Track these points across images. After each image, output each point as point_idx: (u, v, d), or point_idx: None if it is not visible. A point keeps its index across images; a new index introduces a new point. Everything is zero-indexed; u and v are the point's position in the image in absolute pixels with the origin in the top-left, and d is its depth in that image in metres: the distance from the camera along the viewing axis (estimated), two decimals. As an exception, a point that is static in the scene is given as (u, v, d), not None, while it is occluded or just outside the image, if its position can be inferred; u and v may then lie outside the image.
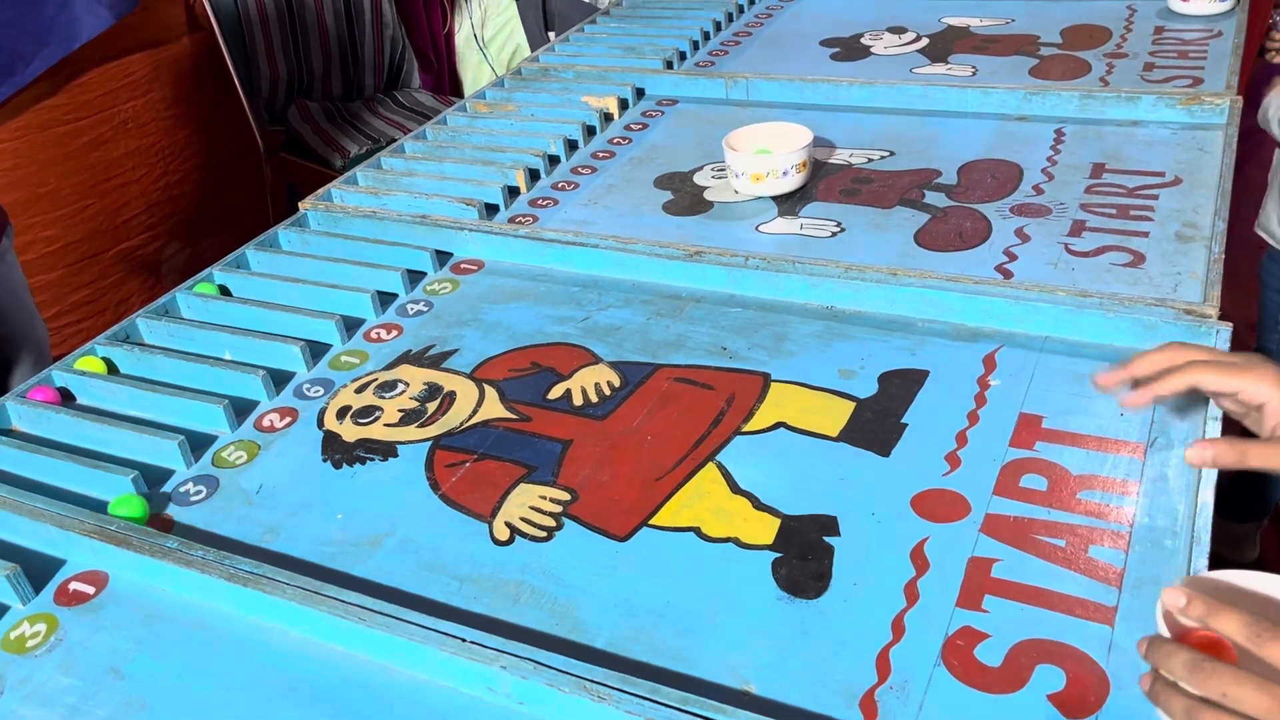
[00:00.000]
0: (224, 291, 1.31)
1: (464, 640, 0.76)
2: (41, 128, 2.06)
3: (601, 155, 1.60)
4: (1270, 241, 1.84)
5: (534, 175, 1.53)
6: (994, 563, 0.82)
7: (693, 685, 0.74)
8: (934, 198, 1.36)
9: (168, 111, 2.31)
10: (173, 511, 0.97)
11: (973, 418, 0.97)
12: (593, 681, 0.72)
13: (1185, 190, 1.30)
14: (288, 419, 1.08)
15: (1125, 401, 0.85)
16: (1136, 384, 0.85)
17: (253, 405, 1.11)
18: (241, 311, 1.24)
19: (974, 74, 1.73)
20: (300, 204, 1.48)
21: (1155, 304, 1.05)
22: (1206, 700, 0.54)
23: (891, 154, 1.50)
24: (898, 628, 0.77)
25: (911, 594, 0.80)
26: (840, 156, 1.51)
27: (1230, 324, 1.00)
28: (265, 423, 1.08)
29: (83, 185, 2.17)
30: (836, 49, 1.92)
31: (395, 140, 2.06)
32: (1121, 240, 1.21)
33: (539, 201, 1.47)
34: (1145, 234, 1.22)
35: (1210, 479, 0.83)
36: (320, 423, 1.07)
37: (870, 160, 1.49)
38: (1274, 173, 1.86)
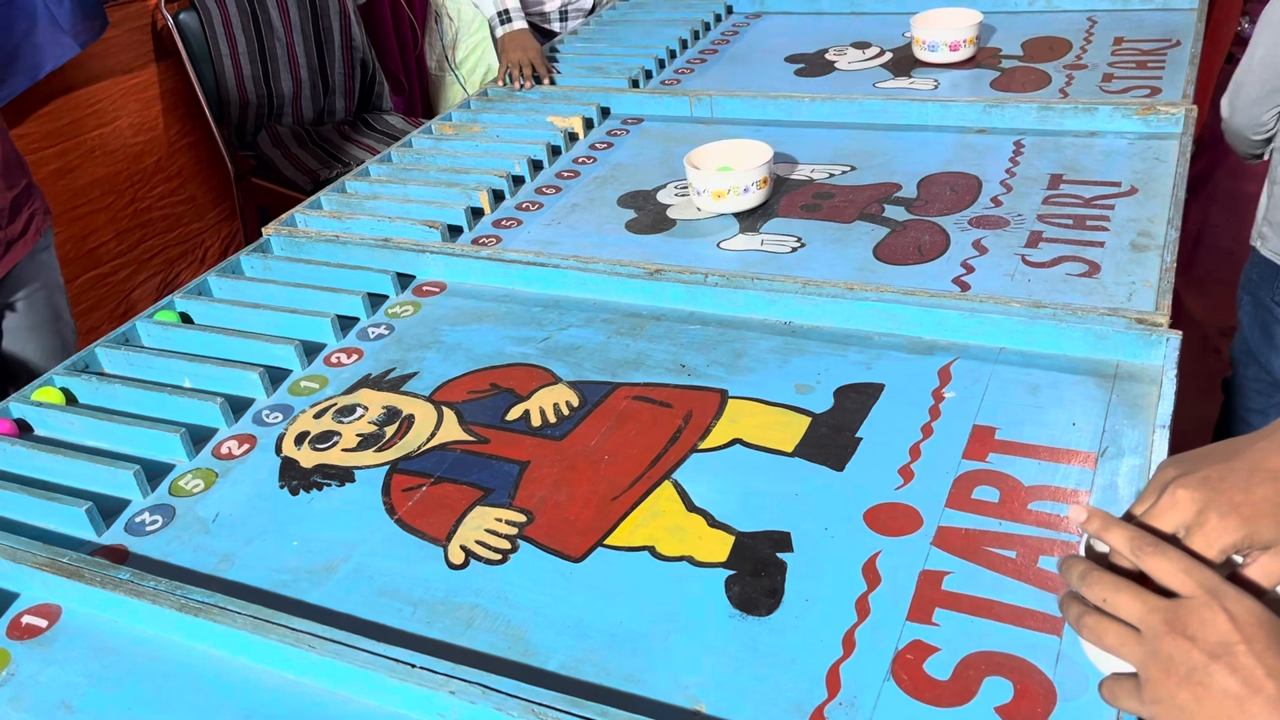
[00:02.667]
0: (186, 319, 1.31)
1: (413, 666, 0.76)
2: (7, 157, 2.05)
3: (566, 175, 1.60)
4: (1269, 256, 1.56)
5: (498, 196, 1.54)
6: (945, 575, 0.82)
7: (643, 706, 0.74)
8: (894, 211, 1.37)
9: (135, 139, 2.31)
10: (128, 542, 0.97)
11: (927, 430, 0.97)
12: (541, 705, 0.71)
13: (1141, 199, 1.31)
14: (246, 446, 1.08)
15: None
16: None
17: (211, 433, 1.10)
18: (202, 338, 1.24)
19: (936, 87, 1.74)
20: (263, 229, 1.47)
21: (1108, 314, 1.06)
22: (1095, 607, 0.57)
23: (853, 169, 1.51)
24: (848, 643, 0.77)
25: (863, 609, 0.80)
26: (802, 172, 1.52)
27: (1179, 332, 1.01)
28: (223, 450, 1.08)
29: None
30: (801, 65, 1.93)
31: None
32: (1078, 250, 1.22)
33: (502, 222, 1.47)
34: (1101, 244, 1.23)
35: (1158, 487, 0.84)
36: (278, 449, 1.07)
37: (831, 175, 1.50)
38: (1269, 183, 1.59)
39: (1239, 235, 3.05)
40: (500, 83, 1.96)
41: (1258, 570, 0.58)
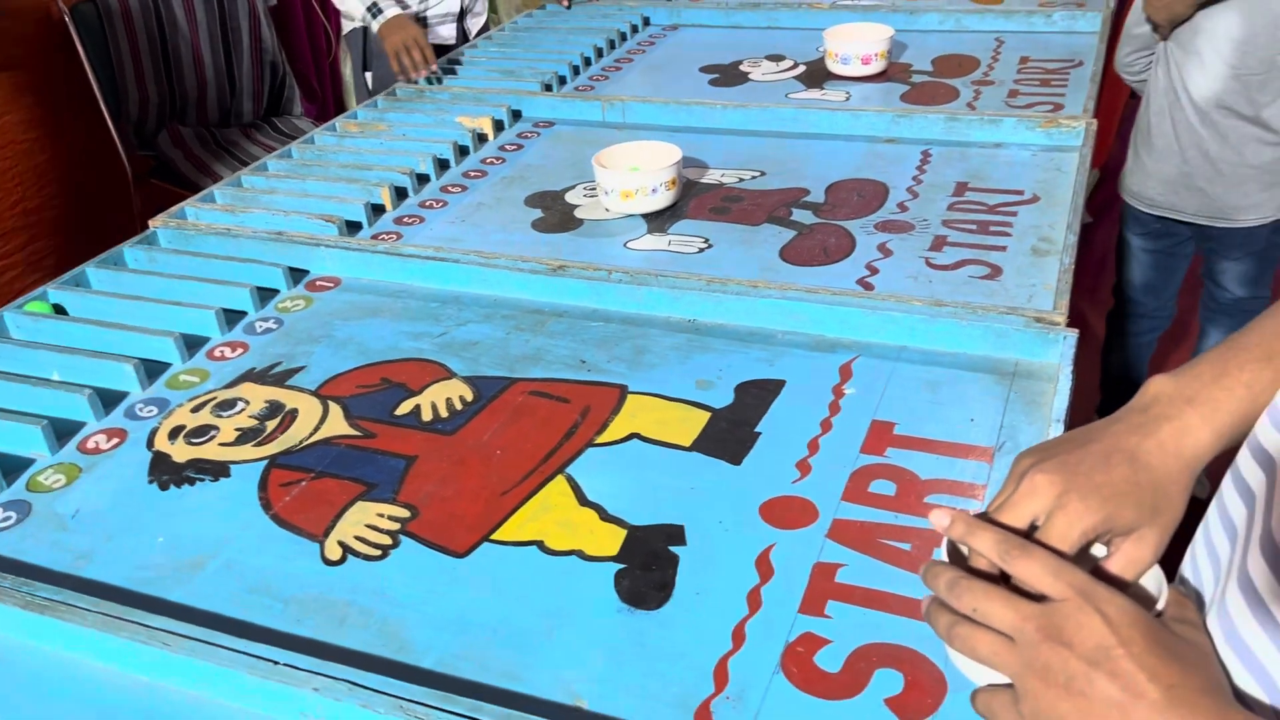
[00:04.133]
0: (61, 310, 1.24)
1: (275, 663, 0.71)
2: (-118, 147, 1.94)
3: (473, 174, 1.57)
4: (1129, 200, 2.05)
5: (401, 194, 1.49)
6: (839, 568, 0.80)
7: (522, 702, 0.70)
8: (801, 215, 1.36)
9: (26, 134, 2.20)
10: (-23, 539, 0.90)
11: (826, 425, 0.96)
12: (411, 701, 0.67)
13: (1042, 207, 1.33)
14: (115, 440, 1.02)
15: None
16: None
17: (78, 426, 1.04)
18: (75, 330, 1.17)
19: (847, 99, 1.75)
20: (150, 221, 1.41)
21: (1007, 312, 1.06)
22: (965, 616, 0.53)
23: (763, 174, 1.50)
24: (738, 636, 0.74)
25: (754, 602, 0.77)
26: (712, 176, 1.51)
27: (1076, 330, 1.01)
28: (90, 444, 1.01)
29: (-71, 210, 2.04)
30: (716, 75, 1.93)
31: (268, 164, 1.99)
32: (980, 254, 1.22)
33: (404, 219, 1.43)
34: (1003, 248, 1.23)
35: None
36: (150, 444, 1.01)
37: (741, 180, 1.49)
38: (1134, 134, 2.04)
39: (1141, 260, 3.13)
40: (395, 69, 1.91)
41: (1122, 559, 0.56)
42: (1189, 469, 0.57)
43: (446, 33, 2.38)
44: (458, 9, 2.35)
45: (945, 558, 0.58)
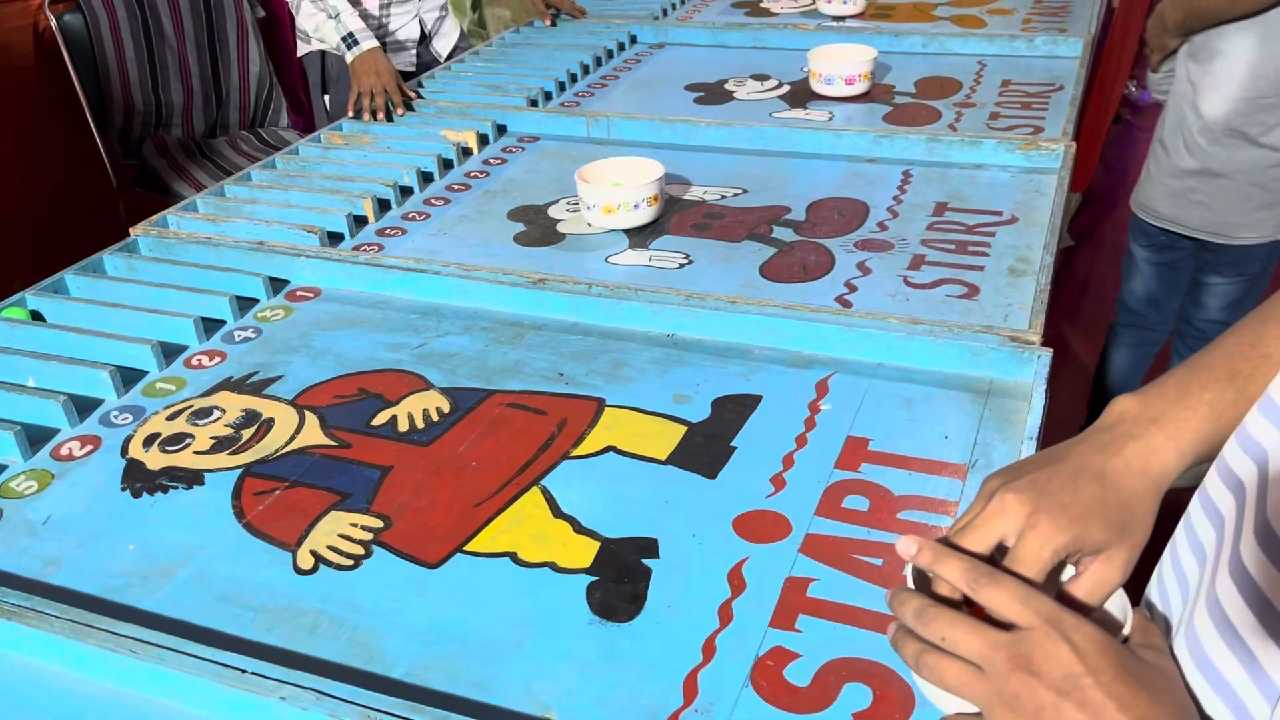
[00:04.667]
0: (37, 317, 1.23)
1: (243, 671, 0.70)
2: None
3: (457, 188, 1.57)
4: (1136, 211, 2.11)
5: (384, 205, 1.50)
6: (811, 582, 0.80)
7: (491, 714, 0.70)
8: (782, 232, 1.37)
9: (11, 143, 2.20)
10: (-55, 545, 0.89)
11: (801, 441, 0.96)
12: (379, 711, 0.67)
13: (1021, 228, 1.34)
14: (89, 447, 1.01)
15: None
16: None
17: (52, 433, 1.03)
18: (52, 337, 1.16)
19: (830, 119, 1.77)
20: (131, 229, 1.41)
21: (983, 330, 1.06)
22: (933, 645, 0.53)
23: (744, 191, 1.51)
24: (708, 649, 0.74)
25: (725, 615, 0.77)
26: (694, 193, 1.51)
27: (1050, 350, 1.02)
28: (63, 451, 1.01)
29: (-90, 214, 2.04)
30: (700, 93, 1.94)
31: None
32: (958, 274, 1.23)
33: (386, 231, 1.43)
34: (981, 268, 1.24)
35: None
36: (124, 451, 1.00)
37: (723, 197, 1.49)
38: (1150, 148, 2.09)
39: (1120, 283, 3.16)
40: (350, 112, 1.83)
41: (1091, 578, 0.56)
42: (1155, 488, 0.57)
43: (404, 61, 2.30)
44: (416, 36, 2.29)
45: (911, 585, 0.58)
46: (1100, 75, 3.20)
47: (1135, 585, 0.58)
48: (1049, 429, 0.93)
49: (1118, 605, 0.57)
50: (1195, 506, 0.56)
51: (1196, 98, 1.92)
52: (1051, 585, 0.56)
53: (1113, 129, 4.17)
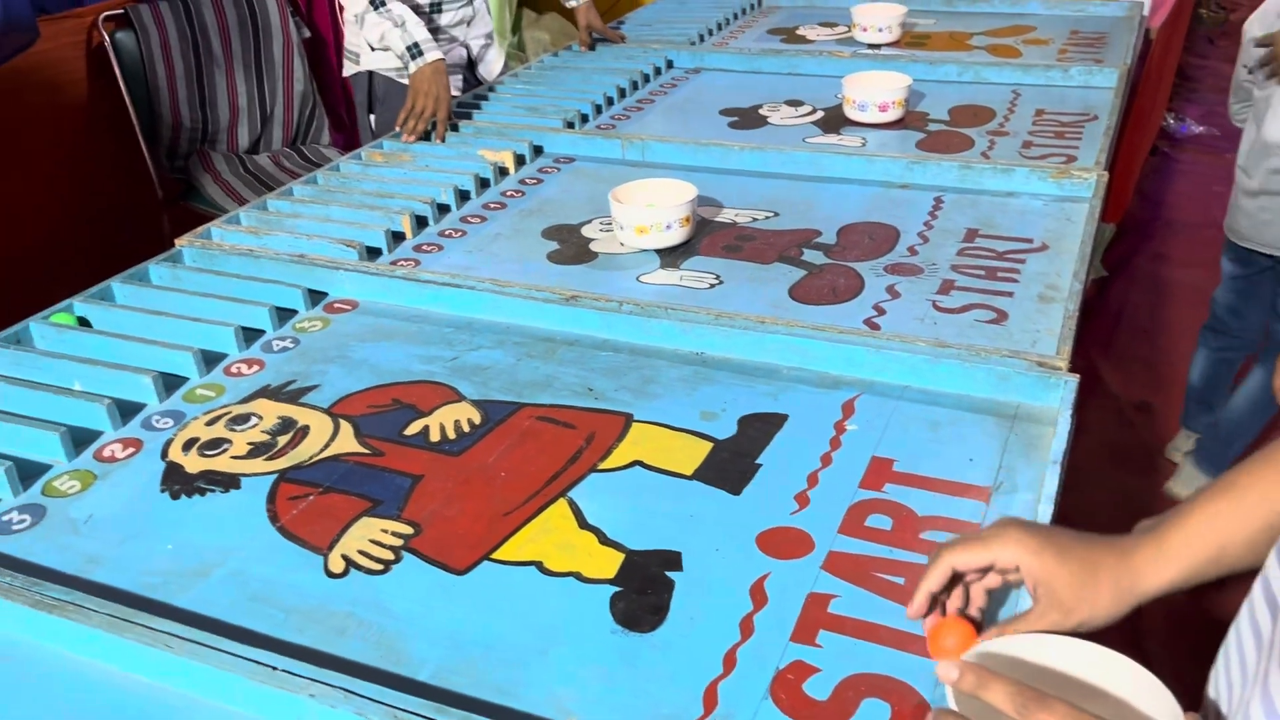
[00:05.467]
0: (84, 323, 1.27)
1: (274, 669, 0.72)
2: (-78, 162, 2.00)
3: (493, 206, 1.60)
4: (1227, 232, 2.20)
5: (421, 222, 1.53)
6: (832, 598, 0.81)
7: (513, 717, 0.72)
8: (812, 255, 1.38)
9: (60, 154, 2.26)
10: (-9, 540, 0.92)
11: (826, 460, 0.97)
12: (405, 711, 0.68)
13: (1051, 256, 1.34)
14: (131, 450, 1.04)
15: (909, 613, 0.76)
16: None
17: (95, 435, 1.06)
18: (98, 342, 1.20)
19: (863, 145, 1.78)
20: (176, 240, 1.44)
21: (1010, 355, 1.07)
22: None
23: (776, 214, 1.52)
24: (729, 661, 0.75)
25: (747, 628, 0.78)
26: (726, 215, 1.53)
27: (1078, 375, 1.02)
28: (106, 453, 1.04)
29: (-36, 223, 2.10)
30: (735, 118, 1.96)
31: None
32: (987, 299, 1.24)
33: (423, 247, 1.46)
34: (1010, 294, 1.25)
35: (1044, 522, 0.84)
36: (164, 454, 1.03)
37: (755, 220, 1.51)
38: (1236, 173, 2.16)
39: (1157, 315, 3.14)
40: (397, 125, 1.85)
41: (1022, 621, 0.67)
42: (1132, 598, 0.66)
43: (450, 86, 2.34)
44: (464, 61, 2.31)
45: (952, 705, 0.61)
46: (1137, 107, 3.19)
47: (1194, 684, 0.60)
48: (1077, 459, 0.93)
49: (1168, 711, 0.58)
50: (1256, 592, 0.57)
51: (1262, 119, 2.03)
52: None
53: (1149, 161, 4.15)
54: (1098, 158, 1.61)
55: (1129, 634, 0.68)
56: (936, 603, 0.74)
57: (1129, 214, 3.63)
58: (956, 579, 0.74)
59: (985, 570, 0.72)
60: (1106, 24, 2.47)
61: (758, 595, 0.81)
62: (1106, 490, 2.31)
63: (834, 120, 1.91)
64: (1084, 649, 0.65)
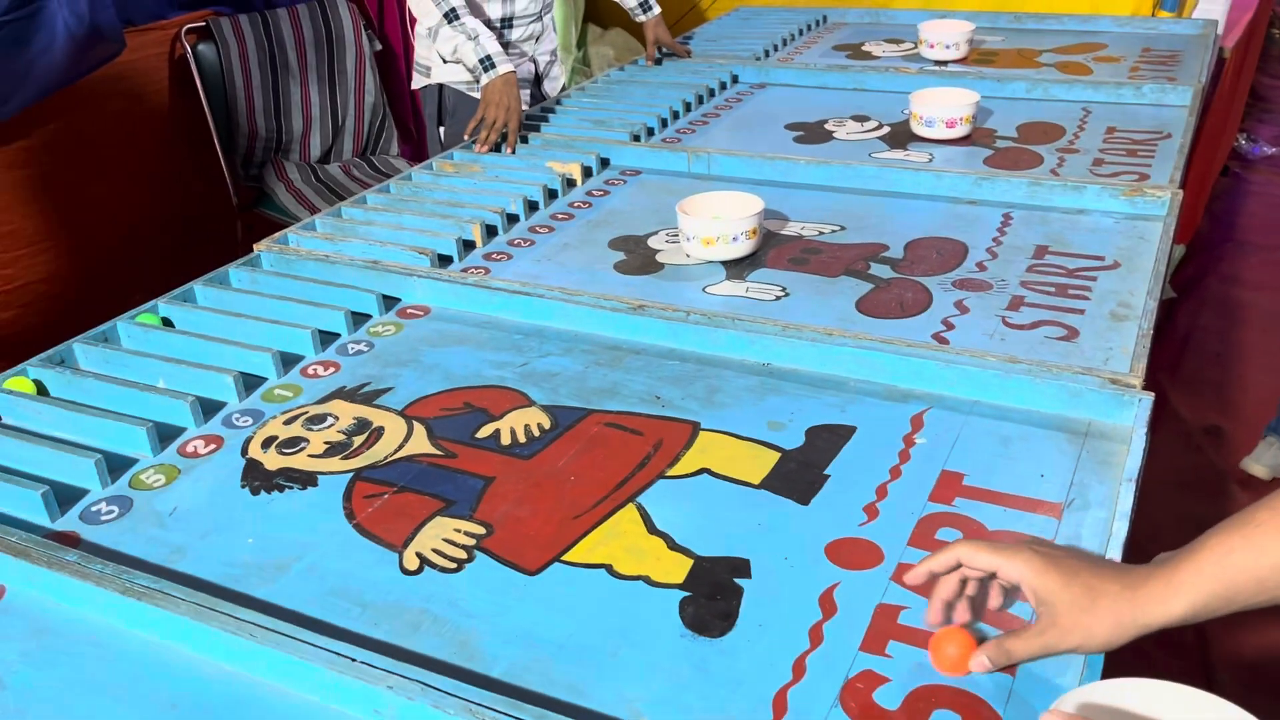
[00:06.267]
0: (168, 323, 1.31)
1: (353, 660, 0.74)
2: (11, 167, 2.07)
3: (561, 217, 1.62)
4: None
5: (491, 231, 1.55)
6: (902, 610, 0.81)
7: (585, 716, 0.73)
8: (879, 270, 1.38)
9: (142, 161, 2.33)
10: (81, 530, 0.95)
11: (895, 473, 0.97)
12: (479, 705, 0.70)
13: (1123, 274, 1.33)
14: (213, 446, 1.07)
15: (905, 578, 0.80)
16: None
17: (179, 431, 1.10)
18: (181, 342, 1.24)
19: (930, 160, 1.77)
20: (255, 245, 1.49)
21: (1082, 372, 1.06)
22: None
23: (842, 228, 1.52)
24: (799, 669, 0.76)
25: (816, 636, 0.78)
26: (792, 228, 1.54)
27: (1152, 394, 1.01)
28: (189, 448, 1.07)
29: (47, 227, 2.18)
30: (800, 132, 1.97)
31: (364, 199, 2.07)
32: (1058, 316, 1.23)
33: (493, 255, 1.48)
34: (1081, 311, 1.24)
35: (1119, 540, 0.83)
36: (244, 451, 1.06)
37: (821, 233, 1.52)
38: None
39: (1227, 338, 3.08)
40: (466, 134, 1.88)
41: (1017, 639, 0.70)
42: (1134, 629, 0.68)
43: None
44: (530, 76, 2.33)
45: None
46: (1208, 126, 3.13)
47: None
48: (1143, 482, 0.92)
49: None
50: None
51: None
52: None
53: (1220, 181, 4.07)
54: (1171, 175, 1.59)
55: (1199, 667, 0.69)
56: (947, 608, 0.78)
57: (1199, 235, 3.56)
58: (961, 584, 0.77)
59: (989, 577, 0.77)
60: (1180, 42, 2.44)
61: (827, 604, 0.82)
62: (1173, 514, 2.26)
63: (900, 136, 1.91)
64: (1193, 698, 0.65)
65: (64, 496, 0.99)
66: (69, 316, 2.28)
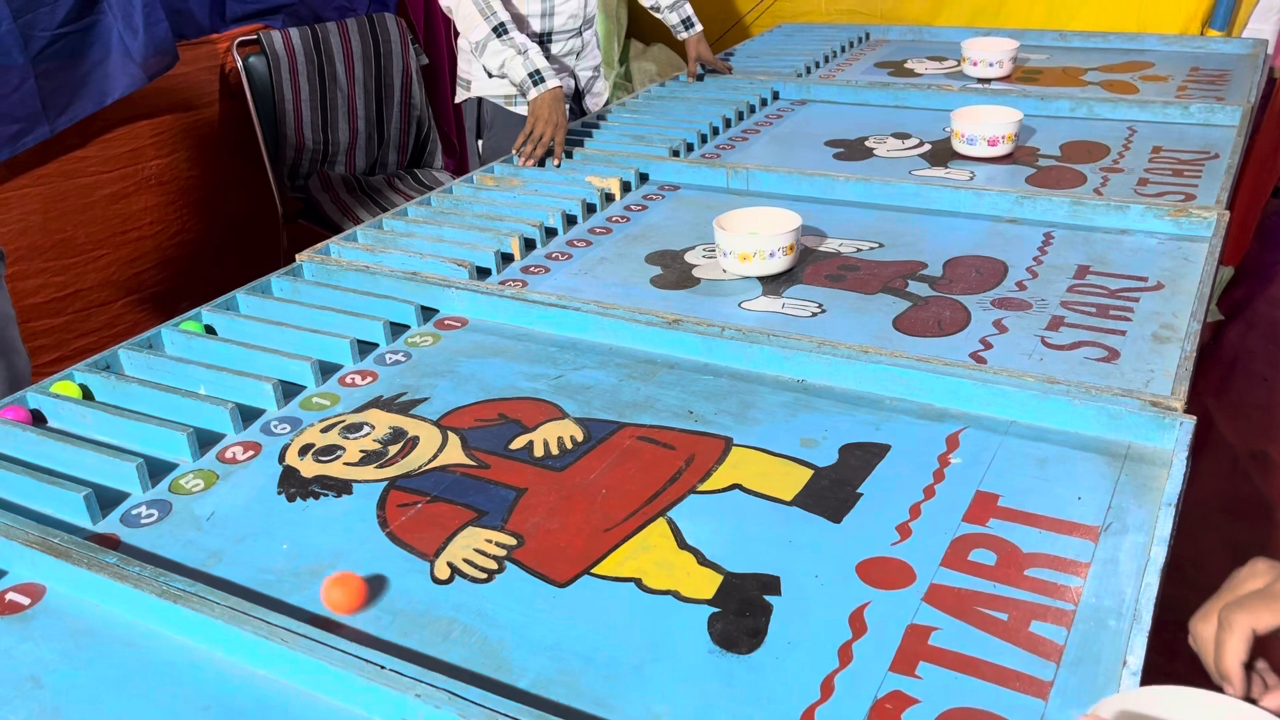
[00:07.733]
0: (211, 331, 1.33)
1: (382, 667, 0.75)
2: (65, 176, 2.13)
3: (599, 231, 1.63)
4: None
5: (530, 244, 1.56)
6: (933, 631, 0.80)
7: (610, 730, 0.73)
8: (917, 287, 1.37)
9: (191, 171, 2.38)
10: (121, 532, 0.97)
11: (929, 492, 0.96)
12: (506, 715, 0.70)
13: (1166, 295, 1.31)
14: (251, 452, 1.09)
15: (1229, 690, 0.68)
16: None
17: (219, 437, 1.11)
18: (223, 350, 1.26)
19: (971, 179, 1.76)
20: (297, 255, 1.51)
21: (1122, 394, 1.05)
22: None
23: (880, 245, 1.52)
24: (827, 688, 0.75)
25: (845, 656, 0.78)
26: (830, 245, 1.53)
27: (1194, 417, 1.00)
28: (228, 454, 1.09)
29: (98, 235, 2.23)
30: (840, 149, 1.97)
31: (406, 211, 2.09)
32: (1098, 337, 1.21)
33: (531, 268, 1.49)
34: (1123, 333, 1.22)
35: (1157, 565, 0.82)
36: (281, 458, 1.08)
37: (859, 250, 1.51)
38: None
39: (1276, 362, 3.02)
40: (514, 149, 1.90)
41: None
42: None
43: None
44: (572, 92, 2.33)
45: None
46: (1257, 148, 3.08)
47: None
48: (1186, 506, 0.91)
49: None
50: None
51: None
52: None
53: (1270, 203, 4.00)
54: (1218, 196, 1.57)
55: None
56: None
57: (1248, 257, 3.50)
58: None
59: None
60: (1229, 61, 2.41)
61: (857, 624, 0.81)
62: (1218, 539, 2.22)
63: (941, 154, 1.90)
64: (1231, 707, 0.63)
65: (106, 499, 1.01)
66: (117, 322, 2.33)
